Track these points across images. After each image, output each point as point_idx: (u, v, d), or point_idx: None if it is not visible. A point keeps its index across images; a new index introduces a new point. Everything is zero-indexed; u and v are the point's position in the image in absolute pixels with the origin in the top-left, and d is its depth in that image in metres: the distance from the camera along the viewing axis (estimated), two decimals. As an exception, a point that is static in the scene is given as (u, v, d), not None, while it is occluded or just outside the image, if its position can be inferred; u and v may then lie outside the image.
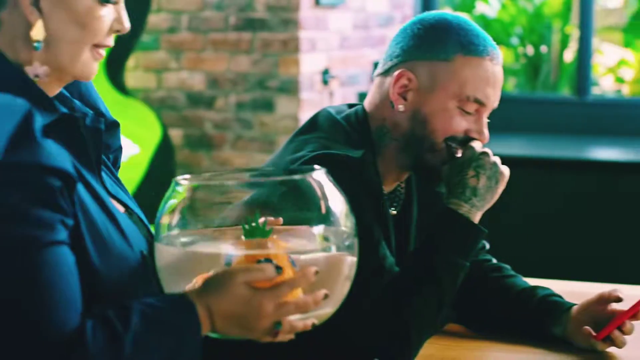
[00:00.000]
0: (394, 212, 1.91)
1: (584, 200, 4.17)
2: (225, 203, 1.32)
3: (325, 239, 1.29)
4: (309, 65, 4.40)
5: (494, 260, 2.05)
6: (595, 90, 6.06)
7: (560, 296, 1.90)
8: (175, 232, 1.30)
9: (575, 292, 1.96)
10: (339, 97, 4.53)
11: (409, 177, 1.94)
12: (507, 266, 2.02)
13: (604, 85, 6.38)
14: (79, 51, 1.33)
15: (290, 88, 4.37)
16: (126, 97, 4.31)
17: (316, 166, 1.33)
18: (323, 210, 1.29)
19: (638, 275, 3.01)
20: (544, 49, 5.99)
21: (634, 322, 1.79)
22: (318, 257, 1.27)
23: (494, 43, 1.85)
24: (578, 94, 4.96)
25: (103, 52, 1.36)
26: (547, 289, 1.92)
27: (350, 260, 1.30)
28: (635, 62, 5.75)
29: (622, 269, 4.05)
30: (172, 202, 1.30)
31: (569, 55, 5.86)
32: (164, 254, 1.30)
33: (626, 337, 1.77)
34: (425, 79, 1.81)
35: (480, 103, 1.83)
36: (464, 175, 1.78)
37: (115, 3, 1.35)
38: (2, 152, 1.16)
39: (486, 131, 1.85)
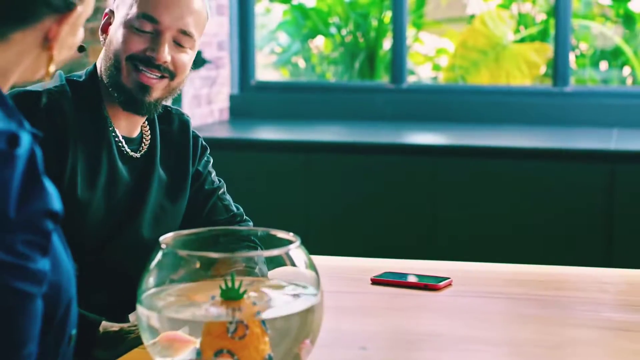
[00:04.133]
0: (137, 155, 2.01)
1: (401, 184, 4.27)
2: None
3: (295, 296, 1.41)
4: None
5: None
6: (414, 78, 6.21)
7: None
8: (154, 292, 1.39)
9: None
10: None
11: (153, 123, 2.06)
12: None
13: (423, 73, 6.55)
14: None
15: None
16: None
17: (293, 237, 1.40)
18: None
19: (456, 254, 3.11)
20: (361, 37, 6.10)
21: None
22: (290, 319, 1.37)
23: None
24: (394, 82, 5.07)
25: None
26: None
27: (318, 318, 1.39)
28: (454, 50, 5.92)
29: (439, 249, 4.17)
30: (155, 265, 1.39)
31: (388, 44, 5.98)
32: (144, 316, 1.37)
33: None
34: (114, 3, 1.98)
35: (153, 21, 1.92)
36: None
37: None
38: (15, 206, 1.15)
39: (163, 50, 1.93)
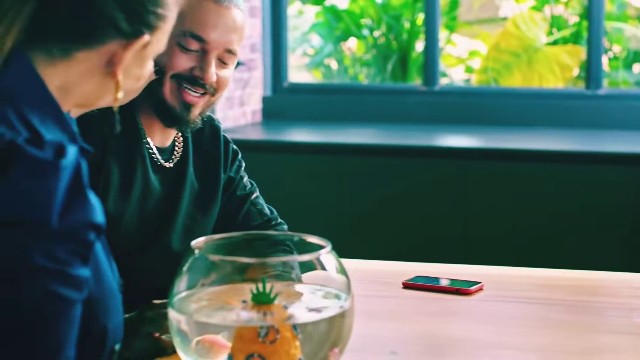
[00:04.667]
0: (170, 165, 2.00)
1: (432, 186, 4.27)
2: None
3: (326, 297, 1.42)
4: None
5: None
6: (446, 81, 6.20)
7: None
8: (185, 296, 1.41)
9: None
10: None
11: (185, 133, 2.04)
12: None
13: (455, 75, 6.54)
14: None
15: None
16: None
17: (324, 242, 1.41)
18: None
19: (487, 258, 3.11)
20: (393, 39, 6.10)
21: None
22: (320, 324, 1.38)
23: None
24: (427, 84, 5.07)
25: None
26: None
27: (349, 322, 1.40)
28: (487, 52, 5.91)
29: (471, 252, 4.17)
30: (187, 269, 1.41)
31: (420, 46, 5.98)
32: (175, 320, 1.39)
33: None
34: None
35: (201, 40, 1.89)
36: None
37: None
38: (58, 216, 1.18)
39: (211, 70, 1.90)
